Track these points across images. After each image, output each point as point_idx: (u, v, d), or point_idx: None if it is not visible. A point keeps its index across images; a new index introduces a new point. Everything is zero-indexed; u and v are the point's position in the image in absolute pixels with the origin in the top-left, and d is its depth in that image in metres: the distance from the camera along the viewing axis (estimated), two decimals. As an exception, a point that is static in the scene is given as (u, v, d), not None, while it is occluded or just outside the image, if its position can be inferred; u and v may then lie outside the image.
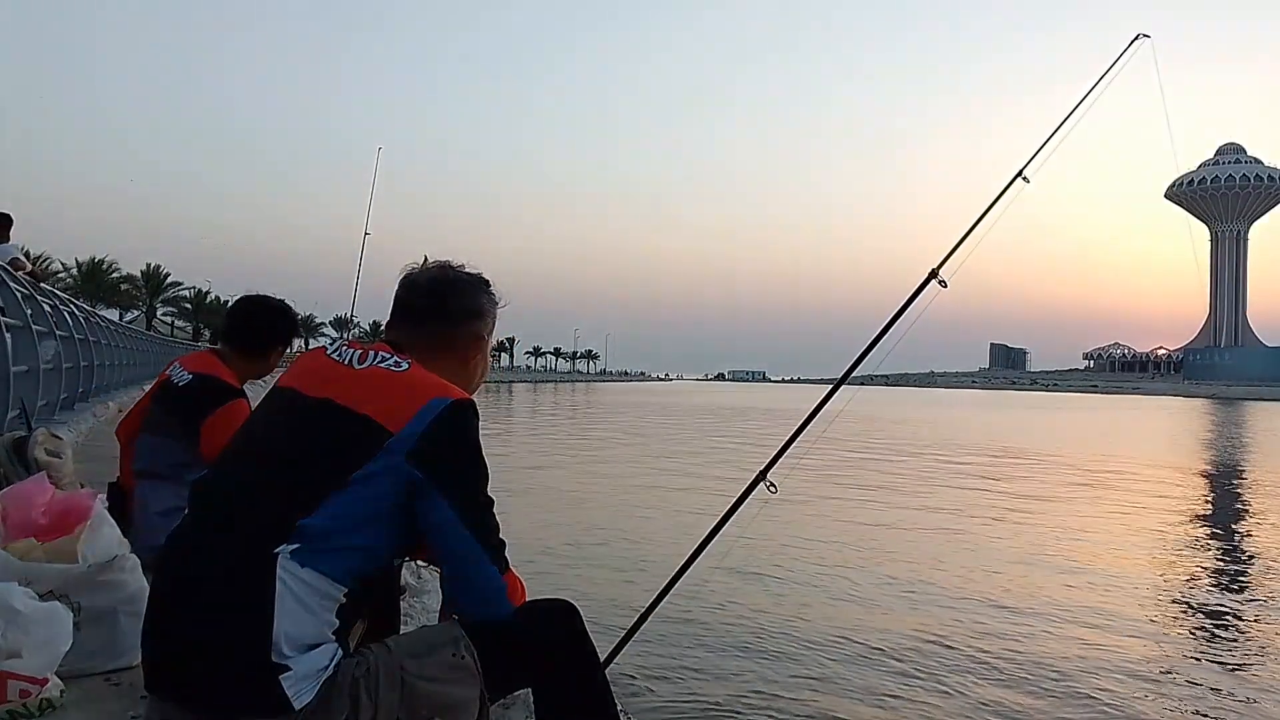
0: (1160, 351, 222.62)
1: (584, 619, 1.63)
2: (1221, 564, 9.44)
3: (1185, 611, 7.34)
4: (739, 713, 4.79)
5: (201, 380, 2.91)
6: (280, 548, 1.42)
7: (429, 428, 1.48)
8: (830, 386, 3.62)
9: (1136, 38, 3.81)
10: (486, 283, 1.80)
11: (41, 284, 8.92)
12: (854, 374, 3.55)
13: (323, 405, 1.54)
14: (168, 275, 66.12)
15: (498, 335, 1.89)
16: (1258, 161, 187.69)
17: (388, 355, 1.60)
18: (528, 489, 13.10)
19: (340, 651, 1.47)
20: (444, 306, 1.72)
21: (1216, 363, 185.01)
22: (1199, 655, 6.12)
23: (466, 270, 1.79)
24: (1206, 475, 19.53)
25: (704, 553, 3.28)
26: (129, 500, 2.94)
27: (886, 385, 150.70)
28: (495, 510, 1.57)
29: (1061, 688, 5.23)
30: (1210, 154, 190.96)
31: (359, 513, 1.46)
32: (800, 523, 10.39)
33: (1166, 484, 16.57)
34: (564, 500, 12.61)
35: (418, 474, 1.47)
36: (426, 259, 1.79)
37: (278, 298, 3.16)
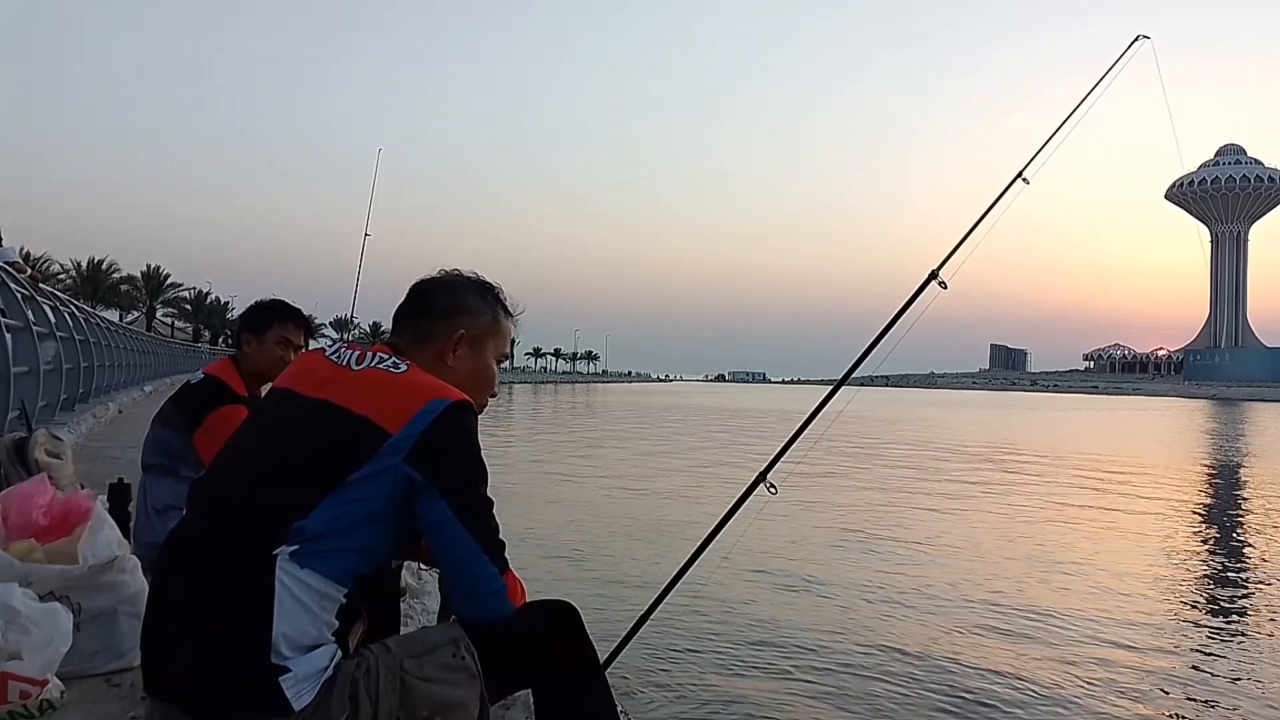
0: (1160, 352, 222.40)
1: (584, 620, 1.63)
2: (1229, 563, 9.44)
3: (1190, 611, 7.34)
4: (739, 714, 4.79)
5: (207, 380, 3.00)
6: (279, 549, 1.41)
7: (427, 429, 1.48)
8: (831, 387, 3.62)
9: (1136, 39, 3.82)
10: (485, 286, 1.78)
11: (41, 285, 8.92)
12: (855, 375, 3.55)
13: (321, 406, 1.54)
14: (168, 276, 66.26)
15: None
16: (1258, 162, 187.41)
17: (386, 356, 1.60)
18: (530, 490, 13.11)
19: (340, 652, 1.47)
20: (424, 301, 1.73)
21: (1217, 364, 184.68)
22: (1201, 653, 6.12)
23: (468, 274, 1.79)
24: (1213, 475, 19.52)
25: (704, 553, 3.29)
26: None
27: (887, 386, 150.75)
28: (495, 511, 1.57)
29: (1063, 689, 5.23)
30: (1210, 155, 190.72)
31: (357, 514, 1.45)
32: (801, 523, 10.39)
33: (1171, 485, 16.56)
34: (565, 501, 12.61)
35: (416, 475, 1.47)
36: (442, 271, 1.80)
37: (275, 297, 3.23)
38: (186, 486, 2.73)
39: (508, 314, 1.81)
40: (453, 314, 1.71)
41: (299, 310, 3.19)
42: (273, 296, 3.24)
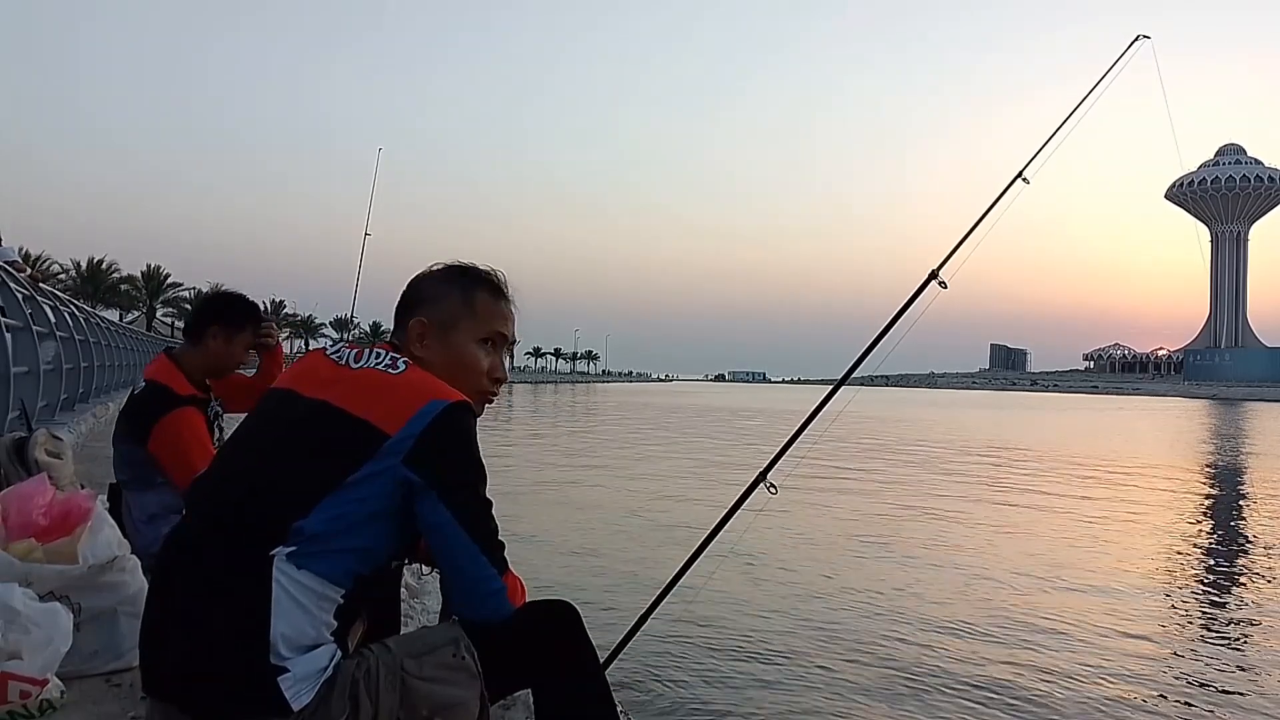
0: (1160, 352, 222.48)
1: (584, 620, 1.63)
2: (1236, 563, 9.44)
3: (1192, 612, 7.34)
4: (739, 714, 4.79)
5: (149, 389, 2.87)
6: (276, 550, 1.41)
7: (425, 430, 1.47)
8: (831, 387, 3.62)
9: (1136, 38, 3.82)
10: (456, 271, 1.72)
11: (41, 285, 8.92)
12: (855, 374, 3.55)
13: (319, 407, 1.53)
14: (168, 276, 66.17)
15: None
16: (1258, 162, 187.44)
17: (384, 354, 1.60)
18: (530, 489, 13.10)
19: (339, 652, 1.46)
20: (401, 299, 1.73)
21: (1217, 363, 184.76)
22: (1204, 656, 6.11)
23: (446, 263, 1.75)
24: (1215, 475, 19.52)
25: (705, 553, 3.28)
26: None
27: (887, 386, 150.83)
28: (494, 511, 1.57)
29: (1064, 690, 5.23)
30: (1210, 154, 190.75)
31: (355, 515, 1.45)
32: (802, 523, 10.39)
33: (1173, 484, 16.56)
34: (564, 500, 12.60)
35: (414, 476, 1.46)
36: None
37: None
38: (168, 493, 2.74)
39: (493, 292, 1.71)
40: (411, 307, 1.70)
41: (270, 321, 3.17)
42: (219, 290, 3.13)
